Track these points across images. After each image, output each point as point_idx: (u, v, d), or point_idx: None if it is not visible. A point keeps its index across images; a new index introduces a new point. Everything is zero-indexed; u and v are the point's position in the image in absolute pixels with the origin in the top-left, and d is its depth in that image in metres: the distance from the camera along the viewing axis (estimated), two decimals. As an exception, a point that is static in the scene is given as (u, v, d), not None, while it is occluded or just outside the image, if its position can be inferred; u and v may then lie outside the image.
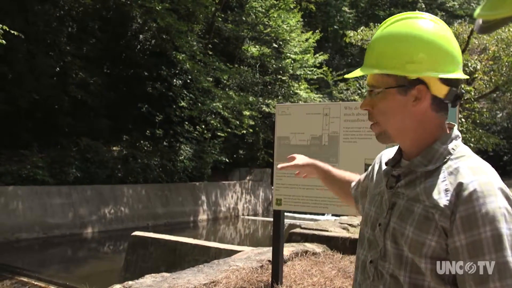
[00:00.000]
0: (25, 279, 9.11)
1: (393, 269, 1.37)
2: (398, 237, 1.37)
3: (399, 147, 1.54)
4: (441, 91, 1.39)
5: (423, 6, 31.25)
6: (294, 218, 16.19)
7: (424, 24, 1.40)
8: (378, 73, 1.42)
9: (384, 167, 1.58)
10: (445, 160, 1.38)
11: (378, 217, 1.47)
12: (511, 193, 1.28)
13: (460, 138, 1.46)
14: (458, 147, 1.41)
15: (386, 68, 1.40)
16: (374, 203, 1.53)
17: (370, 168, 1.77)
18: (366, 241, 1.51)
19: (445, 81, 1.38)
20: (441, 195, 1.30)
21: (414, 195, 1.37)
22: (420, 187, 1.37)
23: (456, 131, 1.45)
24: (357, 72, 1.46)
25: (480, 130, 16.03)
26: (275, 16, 21.72)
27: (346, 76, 1.52)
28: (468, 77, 1.51)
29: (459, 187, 1.28)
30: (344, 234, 7.26)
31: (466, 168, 1.32)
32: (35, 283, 8.86)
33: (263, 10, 21.74)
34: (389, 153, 1.63)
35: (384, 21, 1.48)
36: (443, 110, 1.42)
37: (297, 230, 8.65)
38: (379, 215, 1.47)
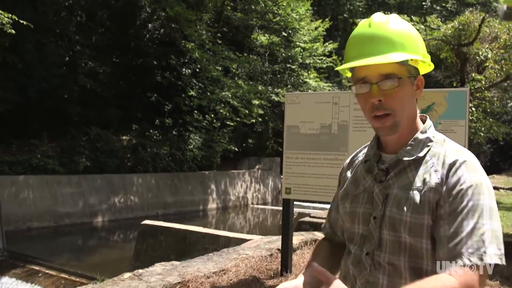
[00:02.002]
0: (36, 268, 9.18)
1: (390, 257, 1.44)
2: (396, 224, 1.44)
3: (375, 144, 1.61)
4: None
5: (434, -6, 30.98)
6: (303, 207, 16.19)
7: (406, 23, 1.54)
8: (398, 61, 1.43)
9: (359, 168, 1.66)
10: (429, 147, 1.50)
11: (371, 212, 1.52)
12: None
13: (433, 126, 1.58)
14: (435, 134, 1.54)
15: (413, 54, 1.47)
16: (361, 201, 1.57)
17: (337, 187, 1.81)
18: (359, 237, 1.55)
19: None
20: (432, 176, 1.43)
21: (407, 182, 1.47)
22: (412, 173, 1.47)
23: (429, 121, 1.58)
24: (380, 59, 1.42)
25: (491, 119, 15.91)
26: (284, 4, 21.63)
27: (363, 63, 1.43)
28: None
29: (447, 166, 1.42)
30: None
31: (450, 151, 1.47)
32: (46, 271, 8.92)
33: (272, -1, 21.65)
34: (356, 157, 1.74)
35: (368, 19, 1.51)
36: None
37: (306, 218, 8.66)
38: (372, 209, 1.52)
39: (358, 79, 1.49)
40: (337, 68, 1.57)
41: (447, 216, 1.37)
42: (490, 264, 1.31)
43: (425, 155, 1.49)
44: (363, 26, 1.51)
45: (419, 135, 1.51)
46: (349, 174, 1.70)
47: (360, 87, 1.49)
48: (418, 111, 1.56)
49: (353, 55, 1.47)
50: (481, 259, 1.29)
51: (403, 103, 1.47)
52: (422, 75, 1.56)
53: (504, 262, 1.32)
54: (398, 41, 1.45)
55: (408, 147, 1.50)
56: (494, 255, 1.30)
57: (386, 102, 1.45)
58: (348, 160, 1.78)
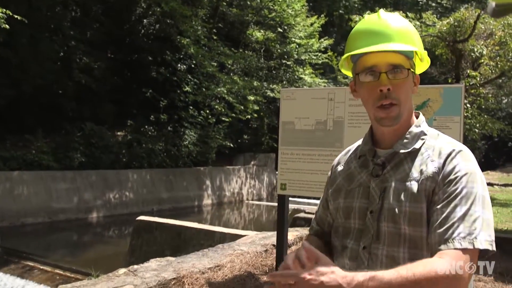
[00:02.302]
0: (31, 264, 9.17)
1: (388, 249, 1.47)
2: (395, 215, 1.46)
3: (369, 140, 1.63)
4: None
5: (429, -10, 30.95)
6: (298, 203, 16.19)
7: None
8: (402, 53, 1.50)
9: (352, 164, 1.68)
10: (423, 140, 1.55)
11: (368, 206, 1.55)
12: None
13: (425, 121, 1.63)
14: (429, 129, 1.59)
15: (420, 48, 1.54)
16: (357, 196, 1.59)
17: (326, 184, 1.84)
18: (356, 231, 1.56)
19: None
20: (429, 166, 1.47)
21: (404, 174, 1.50)
22: (408, 165, 1.51)
23: (422, 116, 1.63)
24: (390, 46, 1.47)
25: (485, 116, 15.92)
26: (280, 0, 21.57)
27: (377, 49, 1.47)
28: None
29: (444, 156, 1.47)
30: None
31: (446, 143, 1.53)
32: (41, 267, 8.92)
33: (268, -6, 21.59)
34: (346, 154, 1.77)
35: (376, 14, 1.56)
36: None
37: (301, 214, 8.68)
38: (368, 204, 1.55)
39: (365, 68, 1.51)
40: (345, 56, 1.58)
41: (440, 201, 1.40)
42: (481, 250, 1.34)
43: (420, 148, 1.53)
44: (370, 19, 1.56)
45: (414, 129, 1.56)
46: (340, 171, 1.72)
47: (366, 76, 1.52)
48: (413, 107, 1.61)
49: (362, 44, 1.50)
50: (472, 244, 1.31)
51: (407, 95, 1.52)
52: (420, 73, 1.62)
53: (494, 249, 1.34)
54: (406, 35, 1.51)
55: (405, 140, 1.54)
56: (485, 241, 1.33)
57: (394, 92, 1.48)
58: (337, 159, 1.81)
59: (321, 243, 1.75)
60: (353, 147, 1.76)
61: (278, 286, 1.29)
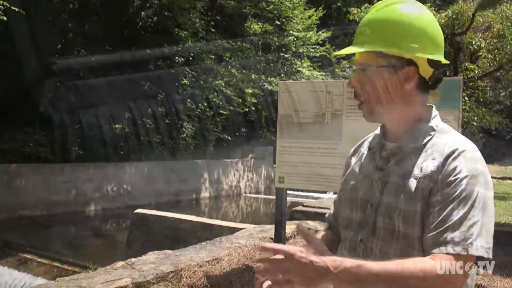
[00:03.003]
0: (28, 256, 9.18)
1: (382, 244, 1.46)
2: (391, 212, 1.44)
3: (380, 132, 1.63)
4: (427, 73, 1.50)
5: (428, -17, 30.87)
6: (296, 196, 16.20)
7: (413, 9, 1.51)
8: (370, 52, 1.49)
9: (363, 156, 1.67)
10: (431, 136, 1.49)
11: (369, 198, 1.54)
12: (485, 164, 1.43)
13: (439, 116, 1.56)
14: (439, 124, 1.54)
15: (384, 47, 1.47)
16: (361, 188, 1.59)
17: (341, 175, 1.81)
18: (356, 224, 1.56)
19: (431, 64, 1.50)
20: (429, 164, 1.42)
21: (406, 170, 1.46)
22: (411, 162, 1.47)
23: (435, 110, 1.56)
24: (349, 49, 1.52)
25: (483, 109, 15.93)
26: (278, -8, 21.55)
27: (337, 53, 1.55)
28: (448, 62, 1.60)
29: (445, 154, 1.41)
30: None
31: (452, 141, 1.45)
32: (39, 260, 8.93)
33: (266, -13, 21.54)
34: (361, 145, 1.75)
35: (374, 5, 1.56)
36: (426, 91, 1.54)
37: (300, 208, 8.69)
38: (370, 196, 1.54)
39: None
40: (337, 53, 1.67)
41: (438, 203, 1.35)
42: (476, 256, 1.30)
43: (425, 144, 1.48)
44: (367, 13, 1.57)
45: (422, 124, 1.52)
46: (353, 162, 1.71)
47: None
48: (421, 100, 1.53)
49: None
50: (466, 250, 1.28)
51: (376, 93, 1.50)
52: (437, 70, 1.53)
53: (490, 256, 1.31)
54: (379, 32, 1.49)
55: (409, 136, 1.51)
56: (481, 247, 1.29)
57: (360, 89, 1.53)
58: (353, 149, 1.80)
59: (332, 236, 1.76)
60: (368, 137, 1.75)
61: (266, 274, 1.30)
